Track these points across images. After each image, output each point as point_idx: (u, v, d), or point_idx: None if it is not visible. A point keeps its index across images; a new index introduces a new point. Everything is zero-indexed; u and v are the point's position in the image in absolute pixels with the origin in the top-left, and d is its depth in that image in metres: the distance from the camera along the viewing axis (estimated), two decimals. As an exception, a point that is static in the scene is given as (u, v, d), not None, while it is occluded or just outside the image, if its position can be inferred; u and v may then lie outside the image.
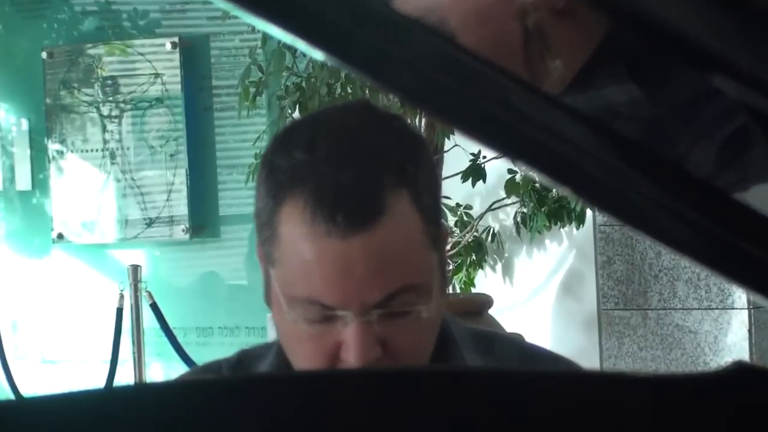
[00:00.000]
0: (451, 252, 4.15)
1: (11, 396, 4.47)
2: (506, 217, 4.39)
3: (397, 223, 1.15)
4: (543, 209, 4.14)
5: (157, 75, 4.77)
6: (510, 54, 1.12)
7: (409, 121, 1.25)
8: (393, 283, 1.14)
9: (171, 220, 4.79)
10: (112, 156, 4.85)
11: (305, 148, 1.15)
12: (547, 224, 4.16)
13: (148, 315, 4.47)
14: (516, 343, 1.37)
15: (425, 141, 1.31)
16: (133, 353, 4.42)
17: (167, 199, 4.79)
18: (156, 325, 4.49)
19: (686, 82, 1.18)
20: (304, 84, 3.98)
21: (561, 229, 4.30)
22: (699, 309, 4.14)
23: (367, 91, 3.69)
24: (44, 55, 4.89)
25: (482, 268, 4.36)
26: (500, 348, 1.32)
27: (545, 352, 1.38)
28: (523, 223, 4.24)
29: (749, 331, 4.08)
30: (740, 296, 4.07)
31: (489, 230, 4.36)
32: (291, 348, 1.21)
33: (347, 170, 1.14)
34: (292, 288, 1.17)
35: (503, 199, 4.21)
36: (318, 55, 0.56)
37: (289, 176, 1.16)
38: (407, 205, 1.16)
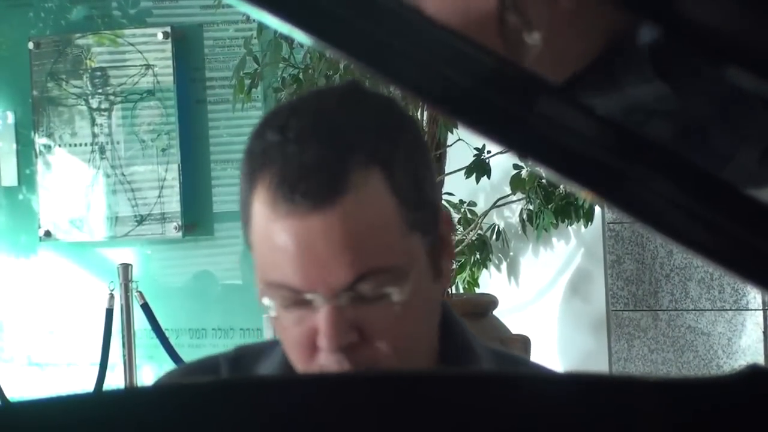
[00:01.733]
0: (455, 250, 4.10)
1: (-3, 400, 4.48)
2: (511, 214, 4.40)
3: (362, 203, 1.14)
4: (550, 206, 4.13)
5: (148, 66, 4.77)
6: (484, 26, 1.07)
7: (402, 103, 1.23)
8: (361, 265, 1.13)
9: (163, 218, 4.79)
10: (102, 150, 4.85)
11: (278, 129, 1.16)
12: (554, 222, 4.15)
13: (139, 316, 4.47)
14: (539, 368, 1.37)
15: (412, 122, 1.27)
16: (124, 355, 4.43)
17: (159, 196, 4.79)
18: (147, 326, 4.50)
19: (720, 79, 1.12)
20: (301, 76, 3.99)
21: (569, 227, 4.30)
22: (712, 310, 4.15)
23: (366, 84, 3.66)
24: (31, 45, 4.89)
25: (487, 268, 4.36)
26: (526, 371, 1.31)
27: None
28: (529, 220, 4.23)
29: (764, 332, 4.08)
30: (755, 297, 4.08)
31: (494, 228, 4.36)
32: (281, 339, 1.22)
33: (311, 148, 1.14)
34: (265, 273, 1.18)
35: (508, 195, 4.21)
36: (315, 44, 0.58)
37: (260, 158, 1.17)
38: (378, 184, 1.15)
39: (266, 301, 1.18)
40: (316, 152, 1.14)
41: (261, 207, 1.16)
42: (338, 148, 1.15)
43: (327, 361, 1.15)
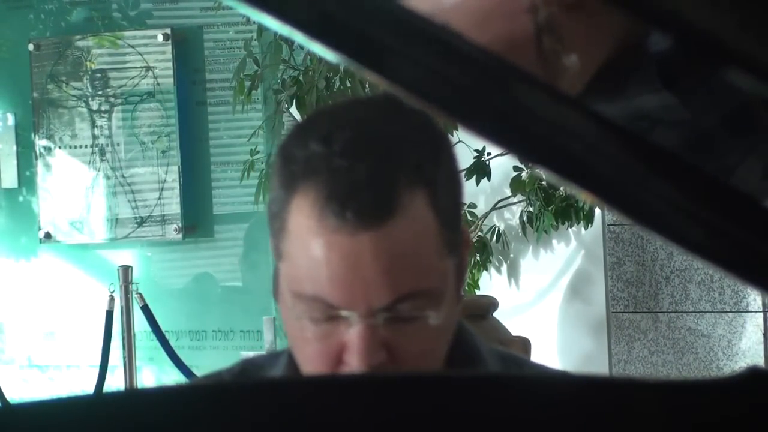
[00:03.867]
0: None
1: (-3, 402, 4.48)
2: (512, 216, 4.39)
3: (410, 224, 1.13)
4: (550, 208, 4.13)
5: (148, 68, 4.76)
6: (522, 51, 1.08)
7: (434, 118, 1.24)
8: (402, 286, 1.13)
9: (163, 219, 4.77)
10: (102, 152, 4.84)
11: (322, 139, 1.14)
12: (554, 224, 4.16)
13: (139, 318, 4.46)
14: (546, 370, 1.36)
15: (449, 140, 1.26)
16: (124, 357, 4.42)
17: (159, 198, 4.78)
18: (147, 328, 4.49)
19: (727, 90, 1.13)
20: (301, 77, 3.98)
21: (569, 229, 4.30)
22: (712, 312, 4.14)
23: (367, 86, 3.71)
24: (31, 47, 4.88)
25: (487, 270, 4.35)
26: (529, 372, 1.30)
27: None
28: (530, 222, 4.23)
29: (764, 335, 4.07)
30: (755, 299, 4.07)
31: (494, 230, 4.35)
32: (296, 347, 1.20)
33: (361, 164, 1.12)
34: (298, 284, 1.16)
35: (508, 197, 4.22)
36: (315, 47, 0.57)
37: (302, 167, 1.14)
38: (423, 205, 1.14)
39: (294, 312, 1.16)
40: (366, 168, 1.12)
41: (304, 219, 1.14)
42: (386, 165, 1.14)
43: (351, 371, 1.14)
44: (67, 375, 4.97)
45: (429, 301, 1.14)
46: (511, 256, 4.44)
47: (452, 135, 3.85)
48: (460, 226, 1.20)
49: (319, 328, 1.15)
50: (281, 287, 1.19)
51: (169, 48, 4.73)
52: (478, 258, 4.26)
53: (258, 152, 4.25)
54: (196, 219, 4.79)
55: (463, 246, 1.21)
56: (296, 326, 1.17)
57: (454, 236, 1.17)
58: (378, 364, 1.13)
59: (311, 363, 1.18)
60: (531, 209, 4.19)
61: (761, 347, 4.06)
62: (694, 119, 1.16)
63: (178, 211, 4.74)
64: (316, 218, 1.13)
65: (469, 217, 4.27)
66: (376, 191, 1.13)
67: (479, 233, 4.24)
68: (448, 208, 1.17)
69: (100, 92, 4.81)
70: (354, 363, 1.13)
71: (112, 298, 4.45)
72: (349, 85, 3.86)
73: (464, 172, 4.00)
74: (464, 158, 3.98)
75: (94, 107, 4.83)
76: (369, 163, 1.12)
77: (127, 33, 4.80)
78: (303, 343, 1.18)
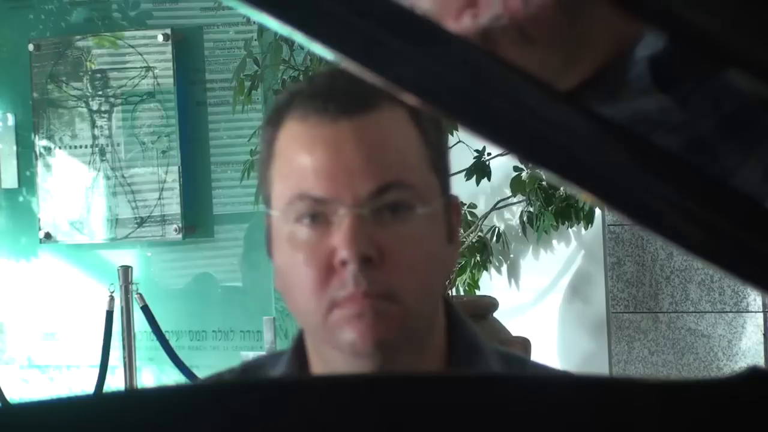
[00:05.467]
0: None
1: (-3, 402, 4.46)
2: (512, 216, 4.37)
3: (391, 119, 1.18)
4: (550, 208, 4.12)
5: (148, 68, 4.75)
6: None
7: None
8: (385, 174, 1.16)
9: (163, 220, 4.76)
10: (102, 152, 4.83)
11: (305, 81, 1.24)
12: (555, 224, 4.14)
13: (139, 318, 4.45)
14: (547, 369, 1.36)
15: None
16: (124, 358, 4.40)
17: (159, 198, 4.77)
18: (147, 328, 4.48)
19: (723, 91, 1.13)
20: (301, 78, 3.95)
21: (569, 229, 4.29)
22: (712, 312, 4.13)
23: None
24: (31, 47, 4.86)
25: (487, 270, 4.34)
26: (531, 372, 1.29)
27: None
28: (530, 222, 4.22)
29: (764, 335, 4.06)
30: (755, 299, 4.06)
31: (494, 230, 4.34)
32: (287, 278, 1.20)
33: (343, 77, 1.17)
34: (285, 194, 1.18)
35: (509, 197, 4.20)
36: (316, 47, 0.57)
37: (286, 101, 1.21)
38: (404, 114, 1.18)
39: (284, 226, 1.18)
40: (346, 79, 1.16)
41: (289, 131, 1.19)
42: (366, 83, 1.18)
43: (342, 282, 1.14)
44: (67, 375, 4.96)
45: (414, 195, 1.16)
46: (511, 256, 4.43)
47: (452, 135, 3.87)
48: (443, 163, 1.22)
49: (309, 234, 1.16)
50: (273, 225, 1.21)
51: (169, 48, 4.72)
52: (478, 258, 4.25)
53: (258, 152, 4.24)
54: (196, 219, 4.78)
55: (452, 207, 1.23)
56: (286, 252, 1.18)
57: (438, 162, 1.20)
58: (367, 259, 1.14)
59: (304, 279, 1.17)
60: (531, 209, 4.17)
61: (761, 347, 4.05)
62: (692, 122, 1.16)
63: (178, 211, 4.73)
64: (299, 121, 1.18)
65: (469, 217, 4.26)
66: (357, 90, 1.17)
67: (479, 233, 4.23)
68: (431, 131, 1.20)
69: (100, 92, 4.80)
70: (343, 255, 1.13)
71: (112, 299, 4.44)
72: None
73: (464, 172, 4.00)
74: (464, 158, 3.98)
75: (94, 107, 4.82)
76: (350, 77, 1.17)
77: (127, 33, 4.79)
78: (294, 265, 1.18)
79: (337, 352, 1.19)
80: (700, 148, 1.17)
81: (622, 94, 1.16)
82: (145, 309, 4.42)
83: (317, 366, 1.25)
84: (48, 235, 4.90)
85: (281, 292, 1.23)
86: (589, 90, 1.15)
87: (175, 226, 4.75)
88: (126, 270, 4.42)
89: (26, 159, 4.96)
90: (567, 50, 1.14)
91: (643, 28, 1.07)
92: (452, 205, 1.25)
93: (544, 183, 4.06)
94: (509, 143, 0.59)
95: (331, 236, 1.15)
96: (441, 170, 1.22)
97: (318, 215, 1.16)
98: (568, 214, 4.13)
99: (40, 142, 4.88)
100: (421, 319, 1.20)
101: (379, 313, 1.15)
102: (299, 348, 1.26)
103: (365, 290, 1.14)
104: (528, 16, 1.09)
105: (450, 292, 4.06)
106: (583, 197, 3.48)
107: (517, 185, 4.09)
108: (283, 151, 1.19)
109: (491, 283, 4.37)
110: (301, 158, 1.17)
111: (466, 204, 4.26)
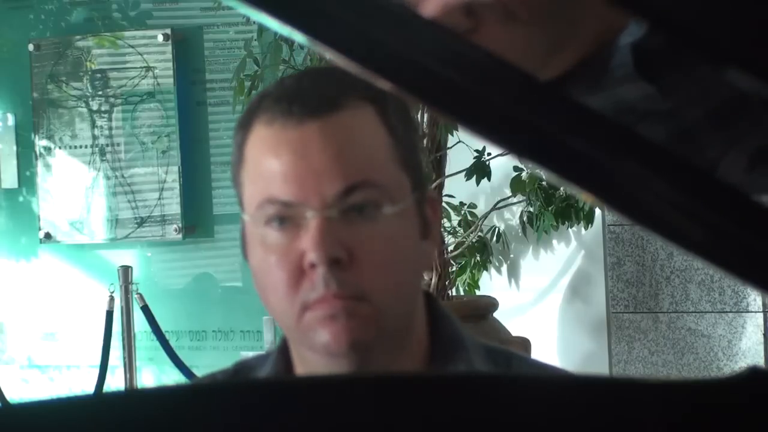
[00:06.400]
0: (455, 253, 4.15)
1: (-3, 402, 4.46)
2: (512, 216, 4.38)
3: (358, 120, 1.18)
4: (550, 208, 4.13)
5: (148, 68, 4.74)
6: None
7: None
8: (352, 174, 1.16)
9: (163, 220, 4.76)
10: (102, 152, 4.82)
11: (274, 84, 1.24)
12: (555, 224, 4.15)
13: (139, 318, 4.44)
14: (534, 362, 1.36)
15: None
16: (124, 358, 4.40)
17: (159, 198, 4.76)
18: (147, 328, 4.47)
19: (708, 80, 1.13)
20: None
21: (569, 229, 4.30)
22: (712, 312, 4.14)
23: None
24: (31, 47, 4.86)
25: (487, 270, 4.35)
26: (517, 365, 1.28)
27: (566, 373, 1.37)
28: (530, 222, 4.22)
29: (764, 335, 4.07)
30: (755, 299, 4.07)
31: (494, 230, 4.34)
32: (261, 280, 1.21)
33: (310, 78, 1.21)
34: (254, 198, 1.19)
35: (509, 197, 4.20)
36: (316, 47, 0.57)
37: (256, 106, 1.21)
38: (370, 112, 1.18)
39: (255, 231, 1.19)
40: (312, 79, 1.20)
41: (257, 137, 1.19)
42: (336, 81, 1.19)
43: (313, 284, 1.15)
44: (67, 375, 4.96)
45: (381, 194, 1.16)
46: (511, 256, 4.43)
47: (452, 135, 3.87)
48: (413, 160, 1.22)
49: (278, 238, 1.17)
50: (246, 229, 1.22)
51: (169, 48, 4.71)
52: (478, 258, 4.25)
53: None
54: (196, 219, 4.78)
55: (427, 203, 1.23)
56: (258, 255, 1.19)
57: (407, 158, 1.20)
58: (337, 261, 1.14)
59: (275, 283, 1.17)
60: (531, 209, 4.18)
61: (761, 347, 4.06)
62: (676, 110, 1.16)
63: (178, 211, 4.73)
64: (266, 124, 1.18)
65: (469, 217, 4.27)
66: (323, 91, 1.18)
67: (479, 233, 4.23)
68: (398, 128, 1.20)
69: (100, 92, 4.80)
70: (312, 258, 1.14)
71: (112, 299, 4.44)
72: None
73: (464, 172, 4.01)
74: (464, 158, 3.98)
75: (94, 107, 4.81)
76: (317, 77, 1.21)
77: (127, 33, 4.78)
78: (266, 268, 1.18)
79: (313, 353, 1.19)
80: (683, 138, 1.18)
81: (606, 82, 1.16)
82: (145, 309, 4.42)
83: (299, 366, 1.25)
84: (48, 235, 4.89)
85: (258, 293, 1.23)
86: (574, 78, 1.15)
87: (175, 226, 4.74)
88: (126, 270, 4.42)
89: (26, 159, 4.95)
90: (553, 33, 1.14)
91: (628, 16, 1.08)
92: (428, 200, 1.24)
93: (544, 183, 4.06)
94: (508, 142, 0.59)
95: (300, 239, 1.16)
96: (412, 167, 1.21)
97: (286, 218, 1.16)
98: (568, 214, 4.13)
99: (40, 142, 4.88)
100: (396, 317, 1.20)
101: (351, 313, 1.15)
102: (284, 348, 1.27)
103: (336, 292, 1.14)
104: None
105: (450, 292, 4.06)
106: (583, 197, 3.48)
107: (517, 185, 4.10)
108: (252, 155, 1.20)
109: (491, 283, 4.38)
110: (268, 162, 1.17)
111: (466, 204, 4.29)
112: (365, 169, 1.16)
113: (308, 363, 1.22)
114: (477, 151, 4.00)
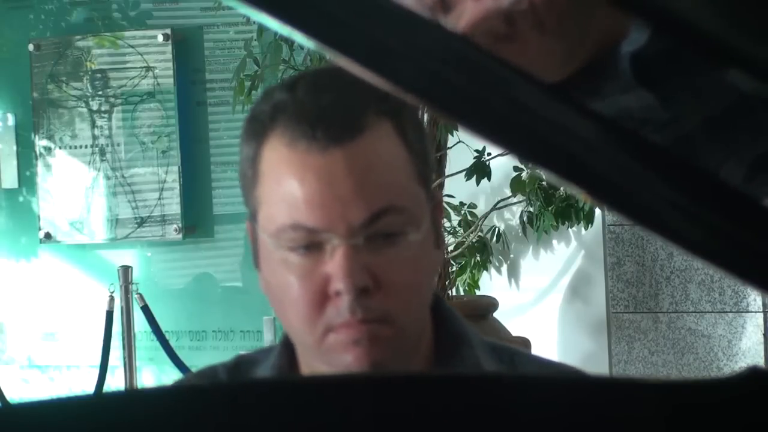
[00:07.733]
0: (455, 253, 4.15)
1: (-3, 402, 4.46)
2: (512, 216, 4.38)
3: (379, 141, 1.16)
4: (550, 208, 4.13)
5: (148, 68, 4.74)
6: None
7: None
8: (377, 201, 1.15)
9: (163, 220, 4.76)
10: (102, 152, 4.82)
11: (286, 89, 1.18)
12: (555, 224, 4.15)
13: (139, 318, 4.45)
14: (536, 359, 1.34)
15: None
16: (124, 358, 4.40)
17: (159, 198, 4.76)
18: (147, 328, 4.48)
19: (707, 89, 1.15)
20: None
21: (569, 229, 4.30)
22: (712, 312, 4.14)
23: None
24: (31, 47, 4.86)
25: (487, 270, 4.34)
26: (519, 362, 1.28)
27: (568, 369, 1.36)
28: (530, 222, 4.22)
29: (764, 335, 4.07)
30: (755, 299, 4.08)
31: (494, 230, 4.34)
32: (280, 298, 1.19)
33: (327, 93, 1.16)
34: (276, 220, 1.17)
35: (509, 197, 4.20)
36: (315, 47, 0.57)
37: (269, 115, 1.18)
38: (390, 129, 1.17)
39: (276, 253, 1.17)
40: (332, 96, 1.16)
41: (275, 153, 1.16)
42: (351, 93, 1.17)
43: (338, 310, 1.14)
44: (67, 375, 4.96)
45: (405, 219, 1.16)
46: (511, 256, 4.43)
47: (452, 135, 3.87)
48: (428, 169, 1.22)
49: (302, 262, 1.15)
50: (261, 244, 1.20)
51: (169, 48, 4.71)
52: (478, 258, 4.25)
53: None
54: (196, 219, 4.78)
55: (435, 201, 1.24)
56: (279, 273, 1.17)
57: (424, 171, 1.20)
58: (363, 288, 1.13)
59: (298, 306, 1.16)
60: (531, 209, 4.17)
61: (761, 347, 4.07)
62: (675, 119, 1.17)
63: (178, 211, 4.73)
64: (287, 145, 1.15)
65: (469, 217, 4.27)
66: (344, 111, 1.16)
67: (479, 233, 4.23)
68: (416, 141, 1.19)
69: (100, 92, 4.80)
70: (341, 287, 1.13)
71: (112, 299, 4.44)
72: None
73: (464, 172, 4.01)
74: (464, 158, 3.98)
75: (94, 107, 4.81)
76: (334, 92, 1.16)
77: (127, 33, 4.78)
78: (287, 288, 1.17)
79: (329, 367, 1.19)
80: (682, 146, 1.17)
81: (605, 90, 1.16)
82: (145, 309, 4.42)
83: (303, 361, 1.25)
84: (48, 235, 4.89)
85: (271, 303, 1.22)
86: (573, 84, 1.16)
87: (175, 226, 4.74)
88: (126, 270, 4.42)
89: (26, 159, 4.95)
90: (570, 42, 1.14)
91: (631, 24, 1.07)
92: (436, 205, 1.25)
93: (544, 183, 4.06)
94: (509, 143, 0.59)
95: (324, 264, 1.15)
96: (427, 178, 1.21)
97: (311, 245, 1.15)
98: (568, 214, 4.13)
99: (40, 142, 4.88)
100: (415, 333, 1.21)
101: (374, 336, 1.15)
102: (288, 342, 1.27)
103: (361, 318, 1.14)
104: (544, 3, 1.10)
105: (450, 292, 4.06)
106: (583, 197, 3.48)
107: (517, 185, 4.10)
108: (272, 174, 1.17)
109: (491, 283, 4.38)
110: (291, 187, 1.15)
111: (466, 204, 4.28)
112: (389, 194, 1.16)
113: (316, 367, 1.22)
114: (477, 151, 4.00)
